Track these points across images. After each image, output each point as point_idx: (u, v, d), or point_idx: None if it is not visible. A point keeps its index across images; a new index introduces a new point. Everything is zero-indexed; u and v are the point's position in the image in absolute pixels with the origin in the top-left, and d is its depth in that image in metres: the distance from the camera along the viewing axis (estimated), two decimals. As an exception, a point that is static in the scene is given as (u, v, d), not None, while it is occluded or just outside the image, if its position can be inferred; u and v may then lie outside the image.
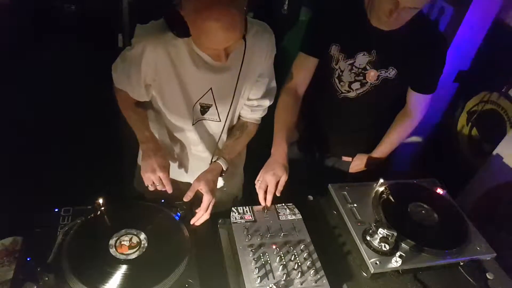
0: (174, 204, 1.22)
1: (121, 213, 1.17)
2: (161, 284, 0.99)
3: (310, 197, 1.42)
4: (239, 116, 1.44)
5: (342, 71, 1.54)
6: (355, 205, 1.33)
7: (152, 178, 1.24)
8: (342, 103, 1.61)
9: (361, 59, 1.50)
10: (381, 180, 1.39)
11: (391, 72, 1.50)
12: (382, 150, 1.70)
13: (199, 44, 1.08)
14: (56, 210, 1.15)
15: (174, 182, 1.49)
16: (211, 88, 1.25)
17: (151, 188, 1.26)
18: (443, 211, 1.34)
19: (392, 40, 1.45)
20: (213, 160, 1.34)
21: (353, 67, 1.52)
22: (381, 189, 1.39)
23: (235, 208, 1.25)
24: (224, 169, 1.33)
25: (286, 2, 3.21)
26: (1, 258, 1.11)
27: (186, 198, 1.22)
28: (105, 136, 2.39)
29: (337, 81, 1.58)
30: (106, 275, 0.99)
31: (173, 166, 1.47)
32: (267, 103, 1.41)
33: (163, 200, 1.24)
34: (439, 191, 1.45)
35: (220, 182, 1.51)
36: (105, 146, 2.37)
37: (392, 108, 1.68)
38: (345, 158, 1.81)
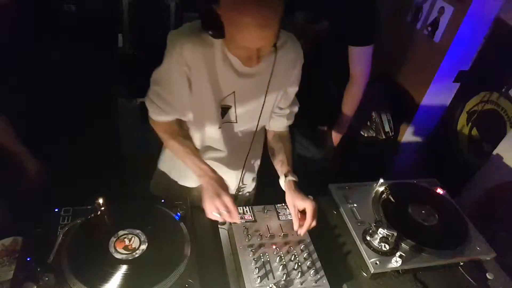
0: (174, 204, 1.22)
1: (121, 213, 1.17)
2: (161, 284, 0.99)
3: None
4: (270, 129, 1.44)
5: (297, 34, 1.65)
6: (355, 205, 1.33)
7: (218, 205, 1.15)
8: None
9: (299, 16, 1.59)
10: (381, 180, 1.39)
11: (324, 24, 1.57)
12: (343, 118, 1.85)
13: (233, 43, 1.07)
14: (56, 210, 1.15)
15: (185, 188, 1.50)
16: (234, 92, 1.24)
17: (219, 219, 1.17)
18: (443, 211, 1.34)
19: None
20: (286, 180, 1.30)
21: (295, 25, 1.61)
22: (381, 189, 1.39)
23: (235, 208, 1.25)
24: (296, 180, 1.31)
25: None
26: (1, 258, 1.11)
27: (298, 226, 1.21)
28: (105, 136, 2.39)
29: None
30: (106, 275, 0.99)
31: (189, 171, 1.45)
32: (296, 108, 1.43)
33: (163, 200, 1.24)
34: (439, 191, 1.45)
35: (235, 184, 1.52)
36: (105, 146, 2.37)
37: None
38: (320, 128, 1.92)
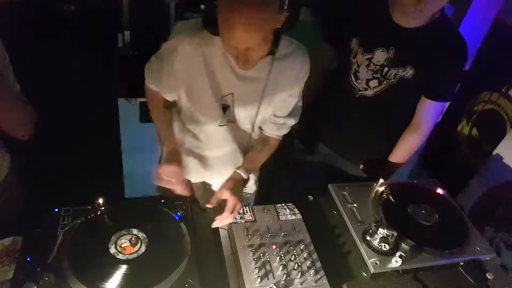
0: (174, 204, 1.22)
1: (121, 213, 1.17)
2: (161, 284, 0.99)
3: (310, 197, 1.42)
4: (262, 130, 1.44)
5: (359, 67, 1.53)
6: (355, 205, 1.33)
7: (170, 172, 1.25)
8: (359, 102, 1.57)
9: (379, 55, 1.48)
10: (381, 180, 1.39)
11: (409, 72, 1.46)
12: (390, 167, 1.71)
13: (223, 41, 1.09)
14: (56, 210, 1.15)
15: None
16: (232, 93, 1.26)
17: (167, 185, 1.26)
18: (443, 211, 1.34)
19: (412, 38, 1.43)
20: (236, 171, 1.33)
21: (371, 63, 1.50)
22: (381, 189, 1.39)
23: (235, 208, 1.25)
24: (245, 177, 1.33)
25: (286, 2, 3.21)
26: (1, 258, 1.11)
27: (211, 205, 1.25)
28: (105, 136, 2.39)
29: (353, 78, 1.55)
30: (106, 275, 0.99)
31: (191, 167, 1.47)
32: (292, 121, 1.41)
33: (163, 200, 1.24)
34: (439, 191, 1.45)
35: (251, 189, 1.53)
36: (105, 146, 2.38)
37: (408, 116, 1.63)
38: (361, 167, 1.78)
